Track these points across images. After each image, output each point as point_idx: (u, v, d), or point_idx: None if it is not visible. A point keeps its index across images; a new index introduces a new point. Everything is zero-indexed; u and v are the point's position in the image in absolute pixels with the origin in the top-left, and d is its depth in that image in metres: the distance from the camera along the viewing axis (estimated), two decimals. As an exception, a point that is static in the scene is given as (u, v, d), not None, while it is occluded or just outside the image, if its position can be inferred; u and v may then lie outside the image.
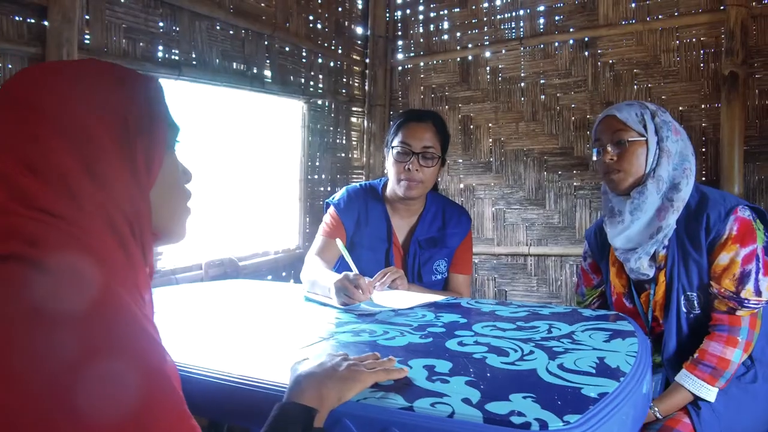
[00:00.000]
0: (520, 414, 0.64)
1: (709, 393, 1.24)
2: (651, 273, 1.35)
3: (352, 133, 3.20)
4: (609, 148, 1.33)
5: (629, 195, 1.33)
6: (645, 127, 1.31)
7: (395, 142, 1.64)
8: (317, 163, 2.89)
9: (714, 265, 1.28)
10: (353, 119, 3.20)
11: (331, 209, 1.73)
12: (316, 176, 2.88)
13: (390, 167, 1.66)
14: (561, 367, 0.82)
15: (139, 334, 0.48)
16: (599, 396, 0.69)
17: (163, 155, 0.61)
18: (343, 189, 1.78)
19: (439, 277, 1.73)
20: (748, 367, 1.30)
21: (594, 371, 0.80)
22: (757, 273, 1.24)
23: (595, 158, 1.41)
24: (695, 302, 1.31)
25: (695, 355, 1.27)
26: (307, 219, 2.82)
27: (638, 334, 1.03)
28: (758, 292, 1.24)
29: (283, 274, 2.66)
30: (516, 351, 0.89)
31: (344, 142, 3.13)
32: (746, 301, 1.24)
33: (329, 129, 2.99)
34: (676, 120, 1.38)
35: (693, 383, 1.25)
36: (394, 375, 0.75)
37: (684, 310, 1.32)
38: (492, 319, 1.14)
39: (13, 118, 0.53)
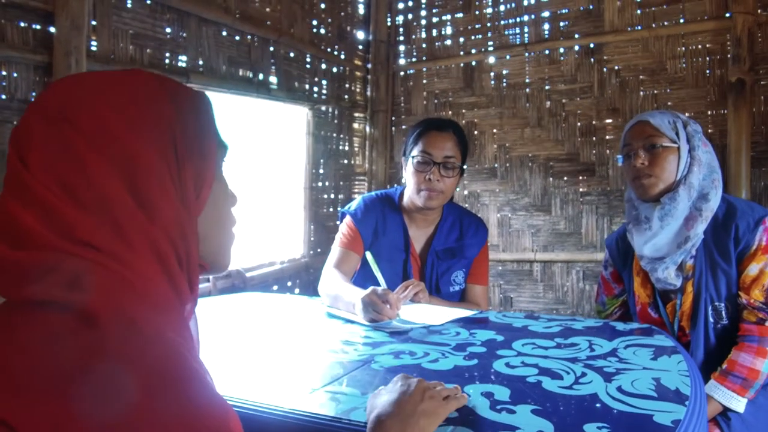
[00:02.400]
0: (601, 448, 0.61)
1: (739, 404, 1.24)
2: (678, 283, 1.34)
3: (355, 139, 3.16)
4: (641, 153, 1.31)
5: (657, 201, 1.32)
6: (677, 134, 1.31)
7: (415, 152, 1.60)
8: (321, 171, 2.85)
9: (743, 276, 1.27)
10: (355, 125, 3.16)
11: (348, 219, 1.69)
12: (320, 184, 2.84)
13: (409, 177, 1.63)
14: (620, 390, 0.80)
15: (202, 391, 0.44)
16: (674, 423, 0.67)
17: (213, 179, 0.56)
18: (359, 198, 1.74)
19: (457, 288, 1.70)
20: (774, 378, 1.30)
21: (655, 394, 0.78)
22: (786, 284, 1.24)
23: (621, 164, 1.39)
24: (723, 313, 1.31)
25: (724, 366, 1.26)
26: (312, 227, 2.78)
27: (681, 350, 1.01)
28: (788, 303, 1.23)
29: (289, 284, 2.62)
30: (568, 373, 0.87)
31: (347, 148, 3.09)
32: (776, 312, 1.23)
33: (332, 135, 2.95)
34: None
35: (723, 394, 1.24)
36: (462, 402, 0.73)
37: (711, 320, 1.31)
38: (528, 335, 1.11)
39: (51, 136, 0.48)
